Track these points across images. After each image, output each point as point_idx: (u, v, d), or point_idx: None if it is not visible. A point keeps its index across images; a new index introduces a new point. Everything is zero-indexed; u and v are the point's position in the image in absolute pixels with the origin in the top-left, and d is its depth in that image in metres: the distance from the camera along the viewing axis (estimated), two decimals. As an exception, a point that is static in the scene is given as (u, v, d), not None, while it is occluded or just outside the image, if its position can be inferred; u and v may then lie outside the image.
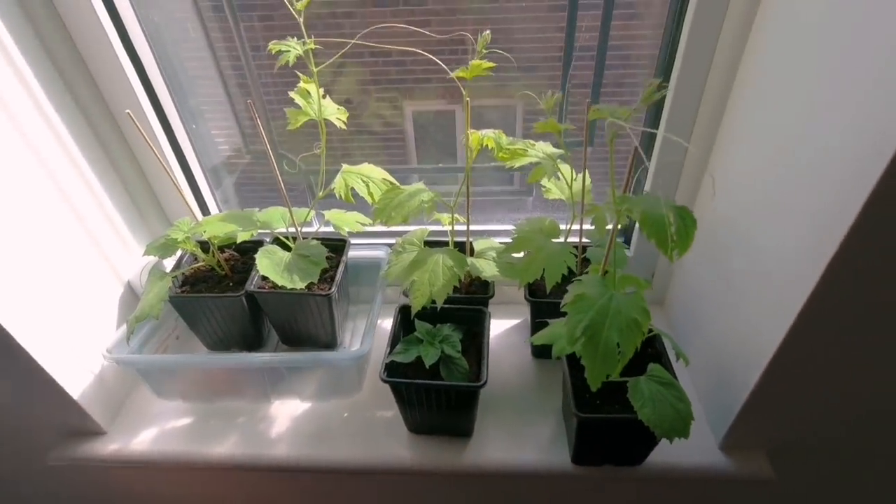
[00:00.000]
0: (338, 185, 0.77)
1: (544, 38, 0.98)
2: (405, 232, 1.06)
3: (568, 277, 0.76)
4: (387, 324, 0.94)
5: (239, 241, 0.80)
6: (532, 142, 0.76)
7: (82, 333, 0.79)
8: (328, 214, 0.88)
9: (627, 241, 1.01)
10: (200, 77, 0.95)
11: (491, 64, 0.64)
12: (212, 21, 0.91)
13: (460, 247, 0.87)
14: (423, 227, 0.92)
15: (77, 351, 0.78)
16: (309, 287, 0.79)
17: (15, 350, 0.69)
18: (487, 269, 0.83)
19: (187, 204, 0.80)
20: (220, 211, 1.06)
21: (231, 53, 0.94)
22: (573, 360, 0.71)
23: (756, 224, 0.66)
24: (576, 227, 0.82)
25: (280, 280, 0.76)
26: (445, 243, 0.89)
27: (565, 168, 0.82)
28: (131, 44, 0.80)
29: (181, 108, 0.91)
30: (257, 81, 0.92)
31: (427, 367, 0.72)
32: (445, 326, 0.79)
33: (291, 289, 0.76)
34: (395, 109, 1.03)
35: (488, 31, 0.66)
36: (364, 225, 0.89)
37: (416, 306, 0.73)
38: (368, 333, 0.79)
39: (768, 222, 0.64)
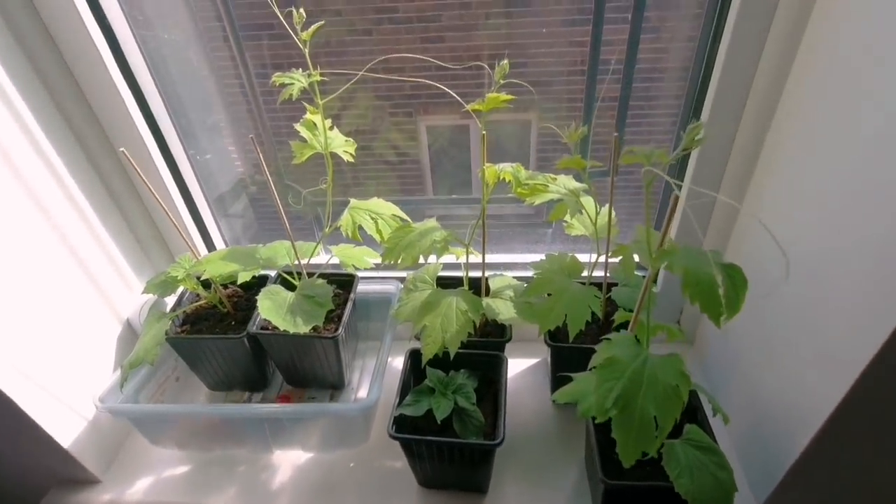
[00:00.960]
0: (344, 222, 0.72)
1: (564, 52, 0.94)
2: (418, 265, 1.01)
3: (592, 321, 0.70)
4: (398, 363, 0.88)
5: (240, 281, 0.76)
6: (553, 176, 0.71)
7: (75, 376, 0.75)
8: (335, 250, 0.83)
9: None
10: (204, 105, 0.91)
11: (509, 97, 0.59)
12: (216, 42, 0.88)
13: (475, 284, 0.81)
14: (436, 261, 0.87)
15: (68, 395, 0.74)
16: (314, 329, 0.74)
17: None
18: (504, 310, 0.77)
19: (187, 240, 0.76)
20: (226, 244, 1.02)
21: (236, 80, 0.90)
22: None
23: (807, 270, 0.59)
24: (600, 260, 0.76)
25: (283, 324, 0.71)
26: (459, 280, 0.84)
27: (588, 201, 0.76)
28: (132, 73, 0.77)
29: (184, 138, 0.88)
30: (262, 109, 0.88)
31: (438, 421, 0.67)
32: (459, 374, 0.73)
33: (307, 334, 0.72)
34: (409, 127, 0.99)
35: (506, 61, 0.61)
36: (373, 261, 0.84)
37: (427, 354, 0.68)
38: (376, 381, 0.73)
39: (823, 269, 0.57)
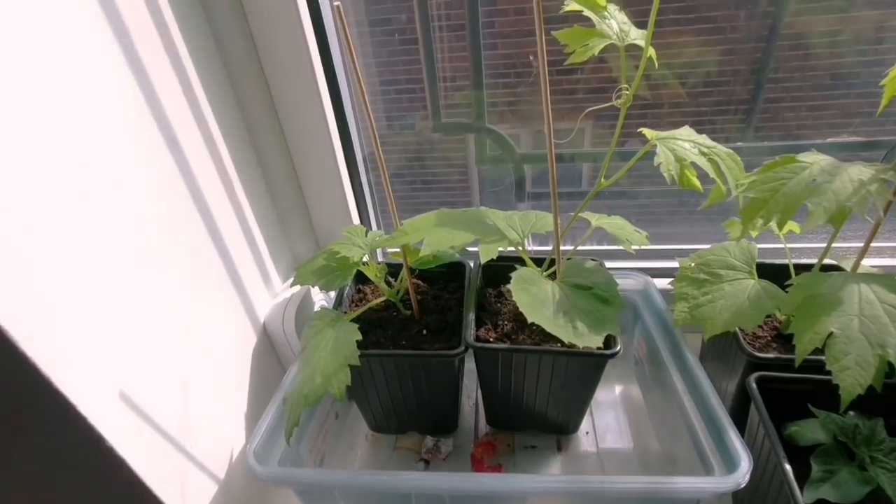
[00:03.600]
0: (663, 158, 0.43)
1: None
2: (660, 251, 0.71)
3: None
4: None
5: (484, 259, 0.47)
6: None
7: (202, 417, 0.47)
8: (594, 219, 0.53)
9: None
10: (386, 13, 0.64)
11: None
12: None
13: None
14: (721, 242, 0.56)
15: (196, 449, 0.45)
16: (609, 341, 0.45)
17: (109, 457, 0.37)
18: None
19: (391, 201, 0.47)
20: (378, 225, 0.73)
21: None
22: None
23: None
24: None
25: (561, 333, 0.42)
26: (782, 267, 0.53)
27: None
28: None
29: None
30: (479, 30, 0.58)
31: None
32: (868, 421, 0.42)
33: (572, 346, 0.42)
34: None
35: None
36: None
37: (849, 389, 0.37)
38: (723, 431, 0.42)
39: None
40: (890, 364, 0.37)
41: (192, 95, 0.47)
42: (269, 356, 0.60)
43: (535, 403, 0.55)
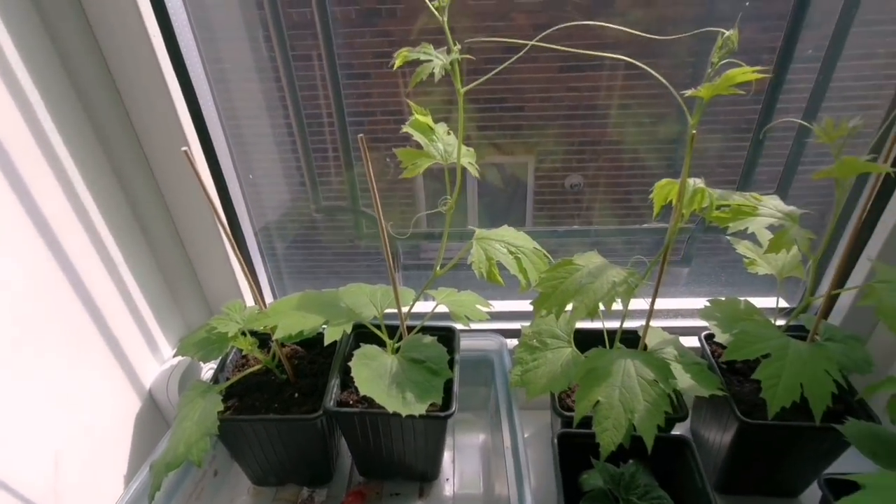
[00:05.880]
0: (476, 258, 0.53)
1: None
2: (518, 314, 0.81)
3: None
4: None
5: (328, 340, 0.55)
6: (757, 195, 0.53)
7: (72, 479, 0.52)
8: (439, 296, 0.63)
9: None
10: (263, 112, 0.72)
11: (755, 74, 0.41)
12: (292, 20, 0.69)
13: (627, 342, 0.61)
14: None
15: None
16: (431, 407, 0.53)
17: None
18: (681, 378, 0.57)
19: (251, 284, 0.55)
20: (274, 292, 0.81)
21: (306, 75, 0.71)
22: None
23: None
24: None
25: (389, 404, 0.51)
26: (596, 333, 0.64)
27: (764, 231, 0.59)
28: (183, 64, 0.58)
29: (236, 153, 0.68)
30: (344, 112, 0.68)
31: (637, 549, 0.45)
32: (632, 467, 0.52)
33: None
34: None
35: (734, 30, 0.44)
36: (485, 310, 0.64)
37: (606, 446, 0.47)
38: (521, 481, 0.51)
39: None
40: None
41: (61, 171, 0.52)
42: (156, 421, 0.65)
43: (395, 456, 0.63)
